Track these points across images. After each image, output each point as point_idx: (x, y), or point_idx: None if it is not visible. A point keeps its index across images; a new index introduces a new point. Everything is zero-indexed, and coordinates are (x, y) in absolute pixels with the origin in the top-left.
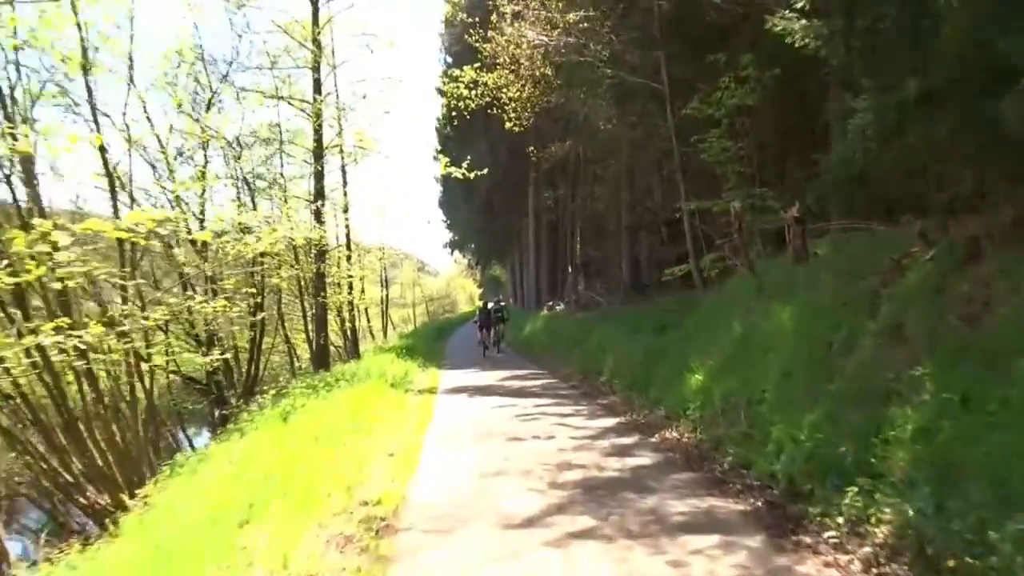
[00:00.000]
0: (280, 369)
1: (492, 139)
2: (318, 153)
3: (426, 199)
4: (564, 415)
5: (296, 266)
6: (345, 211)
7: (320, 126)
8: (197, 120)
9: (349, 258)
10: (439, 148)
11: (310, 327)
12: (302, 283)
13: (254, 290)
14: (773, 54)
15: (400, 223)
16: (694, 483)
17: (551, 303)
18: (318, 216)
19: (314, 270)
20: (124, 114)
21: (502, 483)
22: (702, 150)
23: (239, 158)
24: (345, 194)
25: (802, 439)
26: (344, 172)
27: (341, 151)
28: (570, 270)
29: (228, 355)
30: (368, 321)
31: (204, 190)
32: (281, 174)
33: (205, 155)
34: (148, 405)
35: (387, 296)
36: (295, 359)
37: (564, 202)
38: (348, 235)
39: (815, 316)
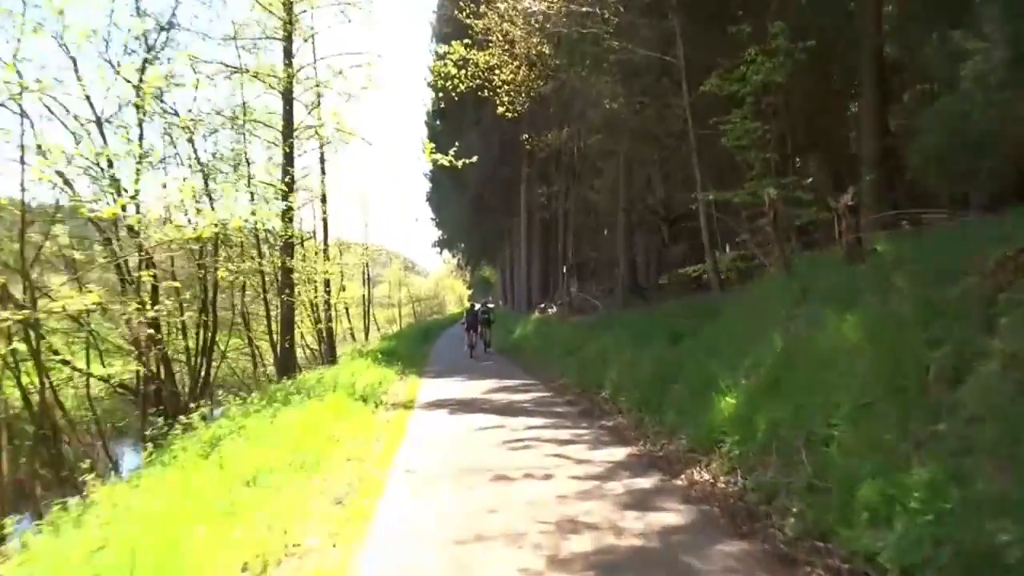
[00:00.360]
0: (245, 375)
1: (483, 131)
2: (287, 133)
3: (416, 198)
4: (562, 441)
5: (257, 259)
6: (323, 201)
7: (290, 103)
8: (118, 73)
9: (327, 253)
10: (428, 140)
11: (274, 328)
12: (266, 279)
13: (177, 285)
14: (806, 23)
15: (388, 221)
16: (752, 561)
17: (543, 305)
18: (287, 207)
19: (279, 264)
20: (16, 57)
21: (483, 556)
22: (723, 133)
23: (192, 133)
24: (323, 183)
25: (915, 507)
26: (323, 161)
27: (317, 133)
28: (564, 270)
29: (175, 360)
30: (349, 322)
31: (140, 162)
32: (246, 157)
33: (140, 122)
34: (40, 428)
35: (369, 295)
36: (259, 364)
37: (558, 199)
38: (325, 228)
39: (896, 329)
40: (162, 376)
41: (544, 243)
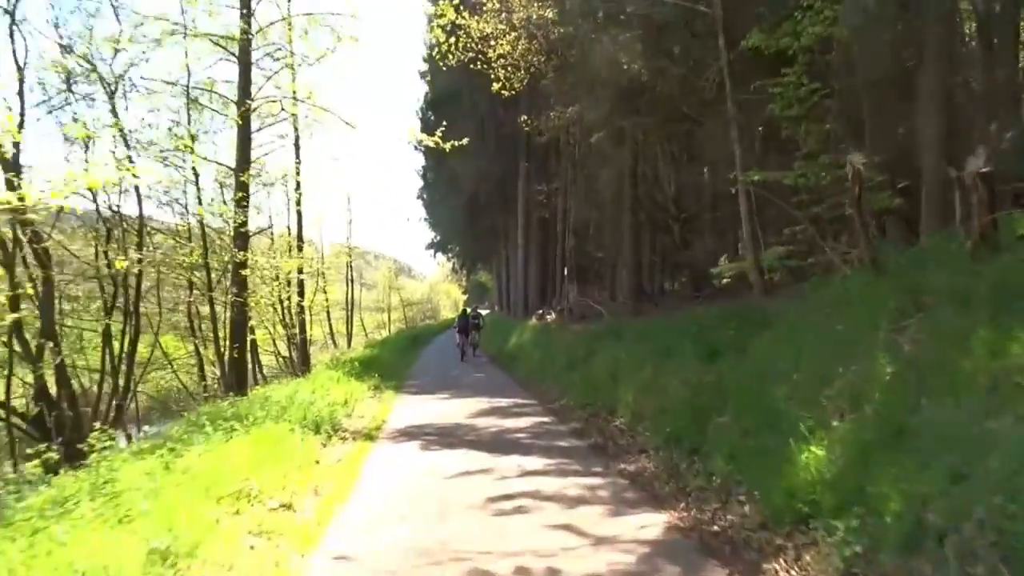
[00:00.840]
0: (200, 390)
1: (479, 123)
2: (242, 102)
3: (411, 199)
4: (570, 500)
5: (199, 250)
6: (297, 191)
7: (247, 66)
8: None
9: (300, 249)
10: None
11: (222, 335)
12: (212, 275)
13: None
14: None
15: (381, 224)
16: None
17: (541, 311)
18: (242, 188)
19: (228, 258)
20: None
21: None
22: (770, 98)
23: (111, 91)
24: (297, 170)
25: None
26: (298, 147)
27: (283, 108)
28: (566, 272)
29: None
30: (330, 327)
31: (20, 122)
32: (188, 131)
33: (21, 66)
34: None
35: (352, 299)
36: (208, 376)
37: (557, 196)
38: (299, 222)
39: None
40: (59, 394)
41: (542, 244)
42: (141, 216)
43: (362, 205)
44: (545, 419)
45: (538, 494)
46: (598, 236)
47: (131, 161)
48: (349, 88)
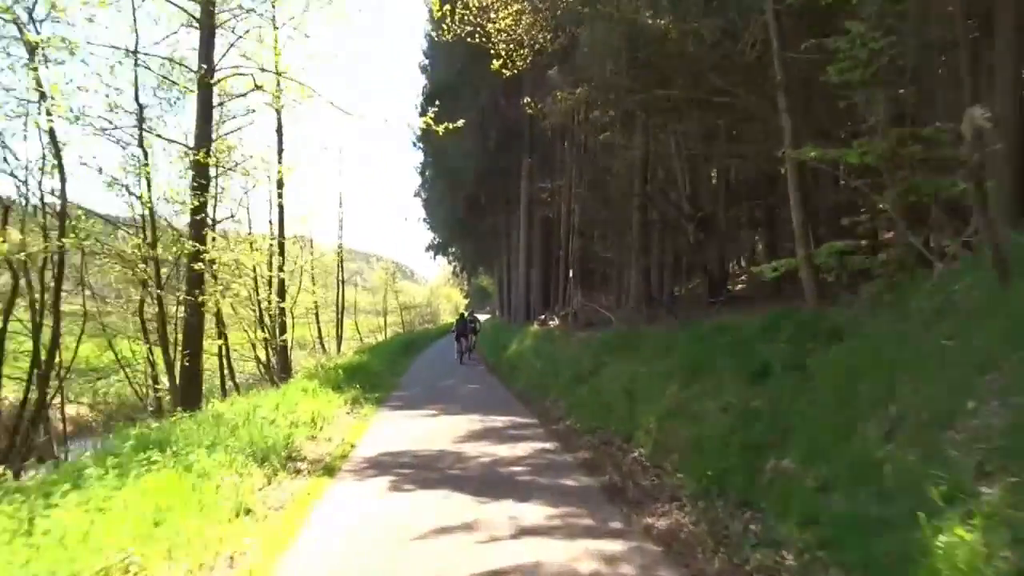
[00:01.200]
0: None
1: (479, 115)
2: (202, 70)
3: (413, 200)
4: None
5: (141, 240)
6: (279, 184)
7: (211, 31)
8: None
9: (282, 248)
10: (420, 132)
11: (173, 340)
12: (160, 270)
13: None
14: None
15: (386, 226)
16: None
17: (544, 316)
18: (199, 169)
19: (181, 249)
20: None
21: None
22: (833, 56)
23: (32, 51)
24: (280, 160)
25: None
26: (280, 135)
27: (256, 84)
28: (571, 275)
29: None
30: (319, 331)
31: None
32: (138, 103)
33: None
34: None
35: (342, 301)
36: (158, 389)
37: (562, 194)
38: (281, 217)
39: None
40: None
41: (546, 245)
42: (63, 196)
43: (364, 207)
44: (547, 445)
45: (538, 571)
46: (605, 237)
47: (54, 136)
48: (346, 82)
